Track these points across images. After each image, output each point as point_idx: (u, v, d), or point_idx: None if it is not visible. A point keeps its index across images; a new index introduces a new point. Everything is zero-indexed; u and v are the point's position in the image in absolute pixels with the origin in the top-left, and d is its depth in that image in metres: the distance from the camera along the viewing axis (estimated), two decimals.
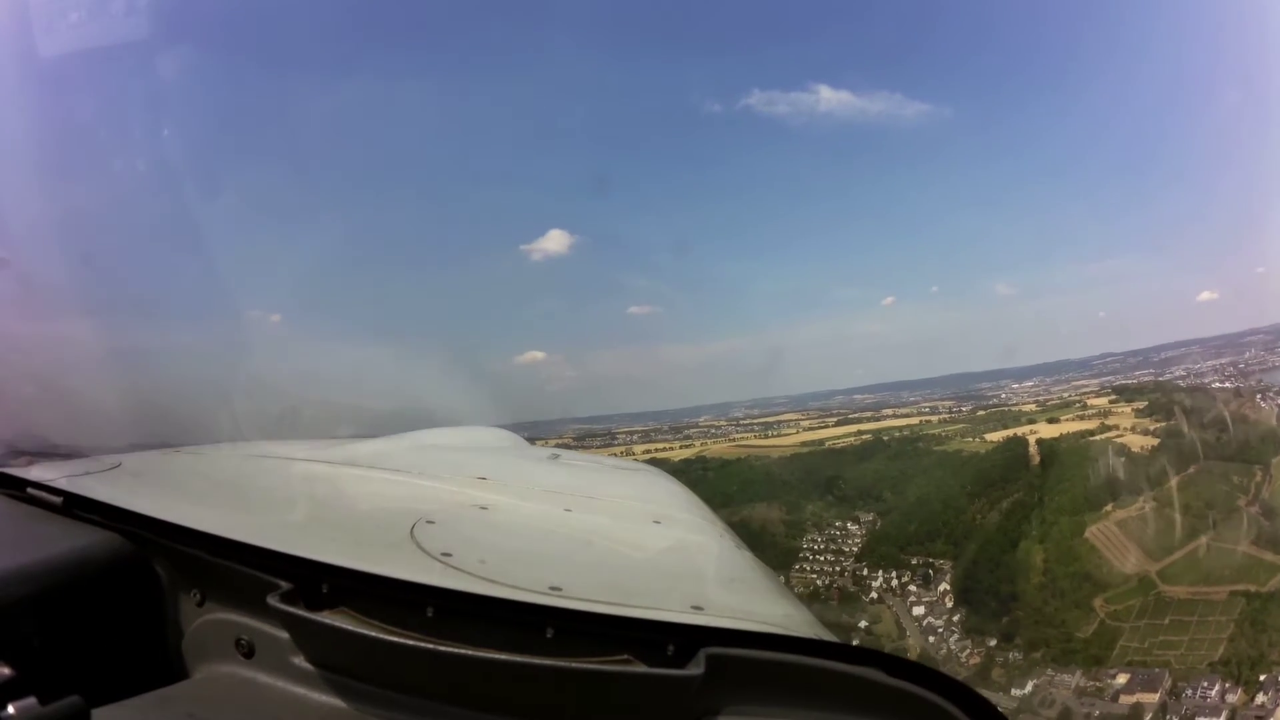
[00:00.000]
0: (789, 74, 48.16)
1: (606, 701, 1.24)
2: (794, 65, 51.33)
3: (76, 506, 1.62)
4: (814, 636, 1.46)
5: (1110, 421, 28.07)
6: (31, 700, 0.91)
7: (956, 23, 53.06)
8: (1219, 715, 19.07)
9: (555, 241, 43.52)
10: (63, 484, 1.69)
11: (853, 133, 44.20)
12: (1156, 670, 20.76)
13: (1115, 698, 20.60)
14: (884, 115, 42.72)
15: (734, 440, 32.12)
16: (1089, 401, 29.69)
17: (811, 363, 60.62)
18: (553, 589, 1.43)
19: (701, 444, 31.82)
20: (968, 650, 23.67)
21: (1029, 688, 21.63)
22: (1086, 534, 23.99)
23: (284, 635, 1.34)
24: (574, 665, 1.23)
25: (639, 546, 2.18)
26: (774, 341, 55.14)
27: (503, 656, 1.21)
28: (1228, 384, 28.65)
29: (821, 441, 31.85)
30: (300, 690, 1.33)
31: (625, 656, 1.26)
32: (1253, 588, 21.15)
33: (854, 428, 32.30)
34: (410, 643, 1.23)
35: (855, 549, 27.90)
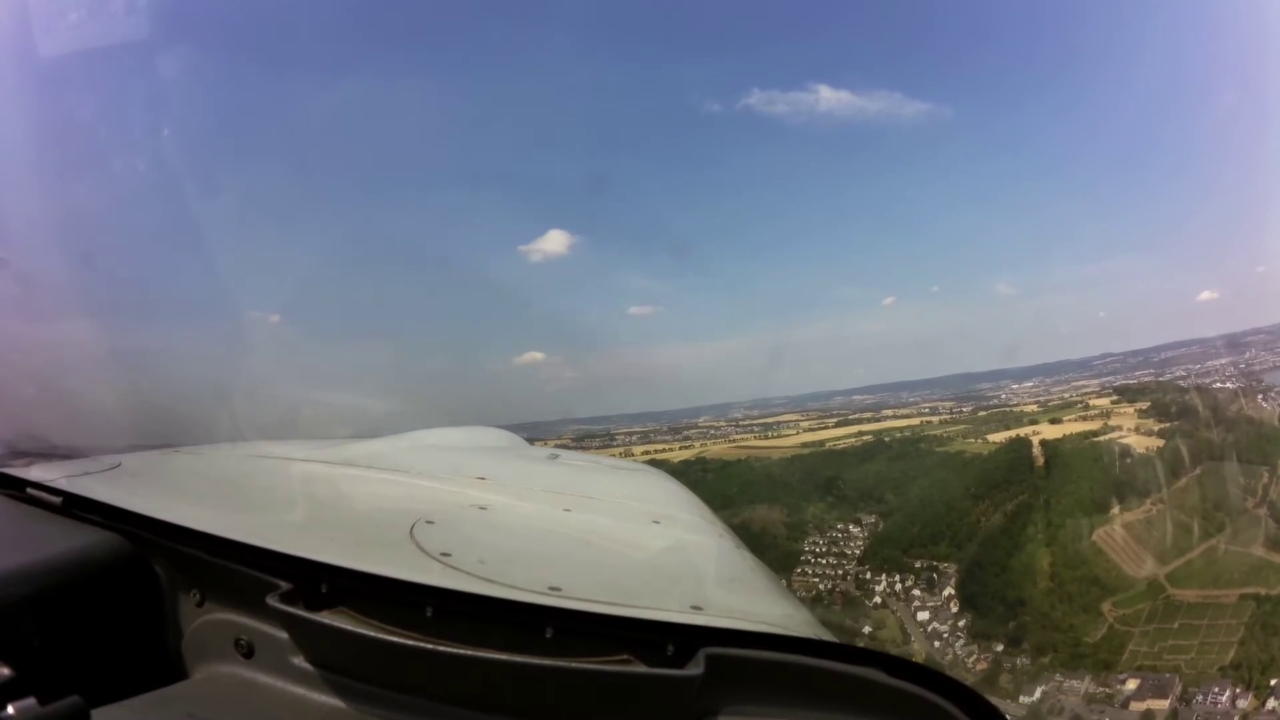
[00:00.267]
0: (788, 73, 48.41)
1: (606, 702, 1.23)
2: (793, 65, 51.63)
3: (76, 506, 1.62)
4: (814, 637, 1.45)
5: (1113, 422, 27.87)
6: (31, 700, 0.91)
7: (956, 22, 53.10)
8: None
9: (554, 242, 43.76)
10: (62, 484, 1.69)
11: (852, 132, 44.17)
12: (1167, 676, 20.46)
13: (1125, 704, 20.28)
14: (883, 114, 42.68)
15: (733, 441, 31.90)
16: (1091, 402, 29.53)
17: (811, 363, 60.78)
18: (552, 589, 1.43)
19: (701, 445, 31.62)
20: (974, 656, 23.28)
21: (1037, 694, 21.27)
22: (1094, 537, 23.66)
23: (283, 635, 1.33)
24: (573, 665, 1.22)
25: (638, 546, 2.18)
26: (774, 342, 55.57)
27: (502, 656, 1.20)
28: (1229, 384, 28.50)
29: (822, 442, 31.68)
30: (300, 690, 1.32)
31: (625, 656, 1.26)
32: (1263, 591, 20.93)
33: (854, 429, 32.14)
34: (409, 643, 1.23)
35: (857, 552, 27.64)
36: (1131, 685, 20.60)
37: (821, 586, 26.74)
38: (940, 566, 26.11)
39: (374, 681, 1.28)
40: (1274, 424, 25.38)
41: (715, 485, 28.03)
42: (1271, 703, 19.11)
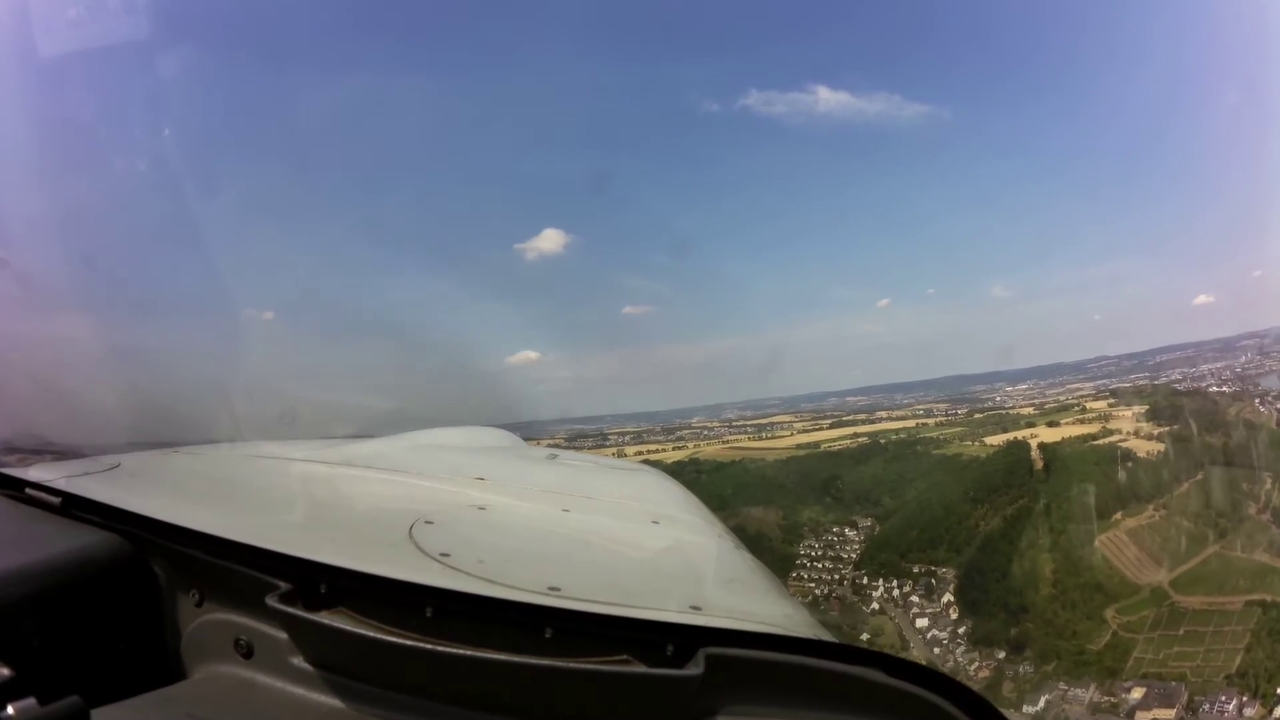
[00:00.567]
0: (787, 74, 48.86)
1: (605, 702, 1.23)
2: (792, 65, 51.61)
3: (75, 507, 1.62)
4: (813, 637, 1.44)
5: (1112, 425, 27.62)
6: (31, 700, 0.91)
7: (955, 24, 53.11)
8: None
9: (550, 240, 43.96)
10: (61, 484, 1.69)
11: (851, 133, 44.15)
12: (1173, 684, 20.10)
13: (1131, 714, 19.86)
14: (882, 116, 42.55)
15: (727, 442, 31.49)
16: (1088, 405, 29.28)
17: (805, 364, 60.45)
18: (551, 589, 1.42)
19: (694, 445, 31.28)
20: (975, 663, 22.73)
21: (1041, 703, 20.76)
22: (1096, 542, 23.25)
23: (282, 635, 1.33)
24: (573, 665, 1.22)
25: (638, 547, 2.17)
26: (768, 342, 55.60)
27: (501, 657, 1.20)
28: (1225, 388, 28.40)
29: (817, 444, 31.31)
30: (299, 690, 1.32)
31: (624, 657, 1.26)
32: (1268, 597, 20.64)
33: (849, 430, 31.88)
34: (409, 643, 1.23)
35: (854, 556, 27.19)
36: (1137, 694, 20.21)
37: (817, 591, 26.18)
38: (939, 572, 25.62)
39: (373, 681, 1.27)
40: (1274, 428, 25.21)
41: (709, 486, 27.41)
42: (1278, 711, 18.80)
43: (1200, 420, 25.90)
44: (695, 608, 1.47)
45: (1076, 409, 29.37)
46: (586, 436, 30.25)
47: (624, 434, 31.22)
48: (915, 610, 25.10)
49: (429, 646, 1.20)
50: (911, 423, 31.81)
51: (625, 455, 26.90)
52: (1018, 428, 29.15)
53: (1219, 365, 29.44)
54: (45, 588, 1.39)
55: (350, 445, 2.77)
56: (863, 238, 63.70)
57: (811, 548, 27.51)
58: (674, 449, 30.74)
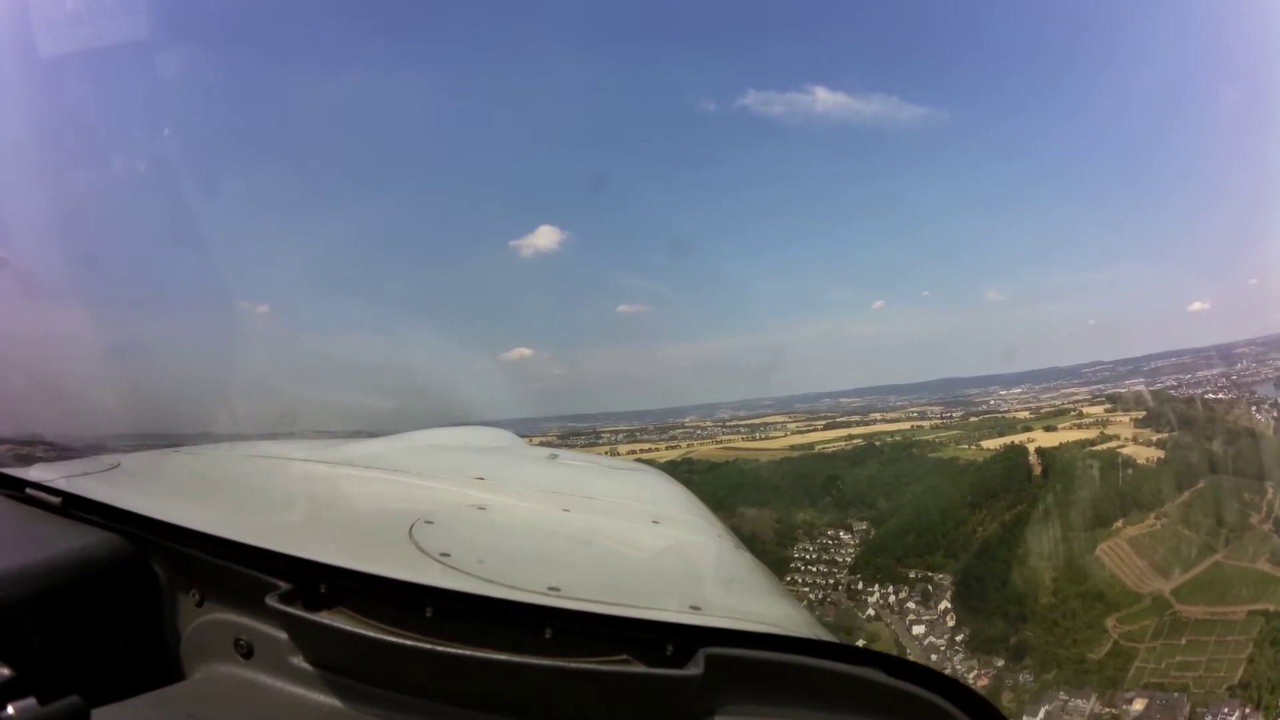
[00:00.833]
0: (785, 74, 48.44)
1: (605, 702, 1.23)
2: (790, 66, 51.27)
3: (75, 507, 1.62)
4: (813, 637, 1.44)
5: (1109, 431, 27.35)
6: (31, 700, 0.91)
7: (954, 26, 53.02)
8: None
9: (545, 238, 43.26)
10: (62, 484, 1.69)
11: (848, 134, 43.68)
12: (1175, 695, 19.77)
13: None
14: (880, 117, 42.19)
15: (721, 442, 30.99)
16: (1084, 410, 29.02)
17: (798, 365, 60.17)
18: (551, 589, 1.42)
19: (688, 445, 30.79)
20: (974, 671, 22.22)
21: (1041, 715, 20.29)
22: (1098, 550, 22.87)
23: (282, 635, 1.33)
24: (572, 665, 1.22)
25: (638, 546, 2.17)
26: (763, 343, 55.69)
27: (501, 657, 1.20)
28: (1220, 395, 28.29)
29: (811, 445, 30.75)
30: (299, 690, 1.32)
31: (624, 657, 1.26)
32: (1271, 607, 20.39)
33: (843, 432, 31.50)
34: (409, 643, 1.23)
35: (849, 559, 26.63)
36: (1139, 705, 19.88)
37: (812, 596, 25.58)
38: (936, 578, 25.12)
39: (373, 681, 1.27)
40: (1272, 437, 25.06)
41: (703, 486, 26.66)
42: None
43: (1199, 427, 25.70)
44: (695, 608, 1.47)
45: (1073, 414, 29.09)
46: (579, 434, 29.75)
47: (617, 432, 30.65)
48: (912, 617, 24.58)
49: (429, 646, 1.21)
50: (906, 425, 31.46)
51: (618, 454, 26.32)
52: (1014, 432, 28.85)
53: (1214, 372, 29.34)
54: (45, 588, 1.39)
55: (350, 445, 2.76)
56: (858, 239, 63.72)
57: (806, 550, 26.99)
58: (667, 448, 30.23)
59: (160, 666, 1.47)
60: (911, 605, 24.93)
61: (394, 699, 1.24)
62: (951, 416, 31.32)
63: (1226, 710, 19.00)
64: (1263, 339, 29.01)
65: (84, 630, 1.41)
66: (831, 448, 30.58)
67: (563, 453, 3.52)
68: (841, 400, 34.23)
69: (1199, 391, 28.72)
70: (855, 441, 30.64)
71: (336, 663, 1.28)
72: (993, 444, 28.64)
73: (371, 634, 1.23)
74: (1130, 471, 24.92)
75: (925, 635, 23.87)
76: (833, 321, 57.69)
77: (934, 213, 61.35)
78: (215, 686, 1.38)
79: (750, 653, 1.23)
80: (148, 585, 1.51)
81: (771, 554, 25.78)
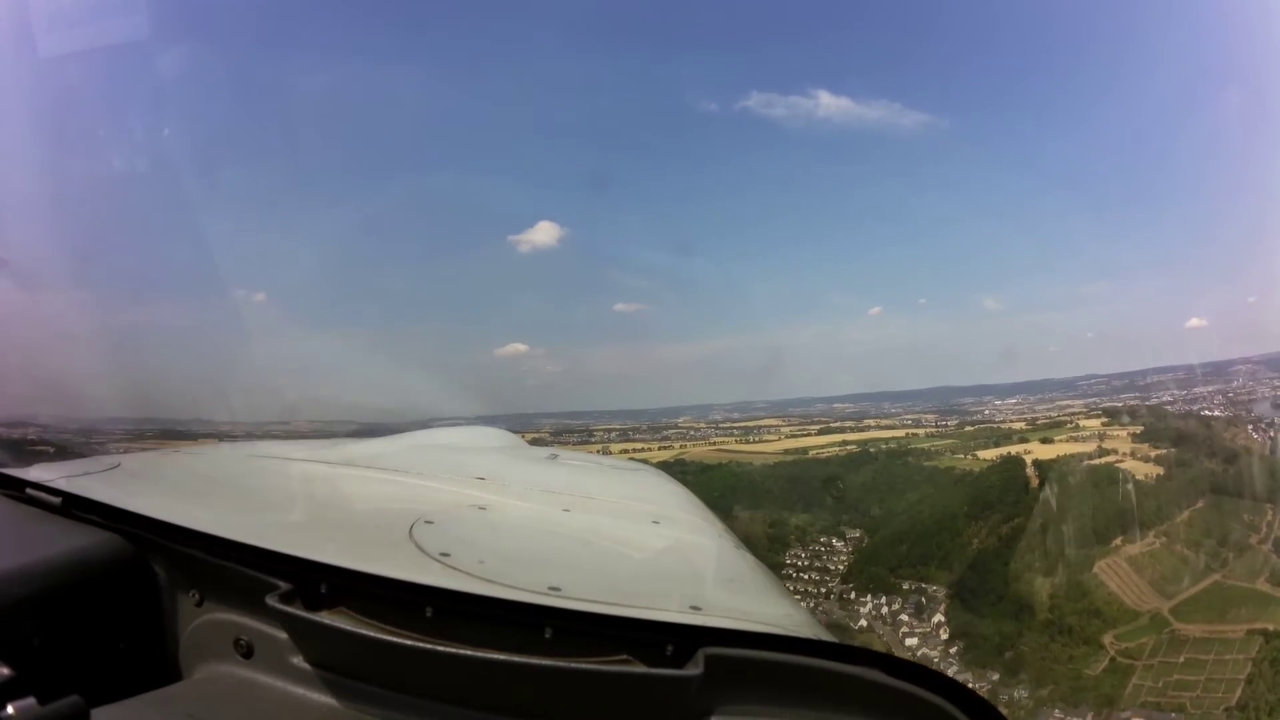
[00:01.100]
0: (788, 77, 48.35)
1: (605, 702, 1.23)
2: (794, 68, 51.19)
3: (75, 507, 1.62)
4: (813, 637, 1.43)
5: (1107, 445, 27.09)
6: (31, 700, 0.91)
7: (958, 33, 52.71)
8: None
9: (544, 233, 42.69)
10: (62, 484, 1.69)
11: (850, 139, 43.38)
12: (1173, 716, 19.33)
13: None
14: (882, 123, 41.92)
15: (714, 444, 30.56)
16: (1081, 423, 28.76)
17: (794, 368, 59.54)
18: (551, 589, 1.43)
19: (681, 445, 30.31)
20: (968, 685, 21.68)
21: None
22: (1095, 567, 22.51)
23: (282, 635, 1.33)
24: (572, 665, 1.22)
25: (638, 547, 2.17)
26: (759, 345, 55.06)
27: (501, 657, 1.19)
28: (1217, 412, 28.14)
29: (805, 450, 30.23)
30: (299, 690, 1.32)
31: (624, 657, 1.26)
32: (1270, 626, 20.07)
33: (838, 437, 31.09)
34: (409, 643, 1.22)
35: (842, 567, 26.08)
36: None
37: (803, 604, 24.92)
38: (929, 589, 24.63)
39: (373, 681, 1.27)
40: (1270, 457, 24.90)
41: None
42: None
43: (1198, 444, 25.48)
44: (695, 608, 1.47)
45: (1070, 426, 28.83)
46: (572, 431, 29.26)
47: (610, 430, 30.08)
48: (905, 629, 24.09)
49: (429, 646, 1.20)
50: (901, 432, 31.06)
51: (610, 452, 25.80)
52: (1010, 443, 28.55)
53: (1212, 389, 29.18)
54: (45, 588, 1.38)
55: (350, 445, 2.76)
56: (857, 244, 63.23)
57: (798, 557, 26.44)
58: (660, 448, 29.67)
59: (160, 666, 1.47)
60: (905, 617, 24.46)
61: (394, 699, 1.24)
62: (947, 425, 30.99)
63: None
64: (1259, 357, 28.92)
65: (84, 630, 1.41)
66: (826, 453, 30.19)
67: (563, 452, 3.53)
68: (836, 405, 33.77)
69: (1195, 408, 28.59)
70: (850, 447, 30.28)
71: (336, 663, 1.28)
72: (988, 454, 28.31)
73: (371, 634, 1.23)
74: (1129, 487, 24.60)
75: (919, 647, 23.37)
76: (829, 326, 57.27)
77: (934, 220, 61.31)
78: (215, 686, 1.38)
79: (751, 653, 1.23)
80: (148, 585, 1.51)
81: (763, 559, 24.29)
